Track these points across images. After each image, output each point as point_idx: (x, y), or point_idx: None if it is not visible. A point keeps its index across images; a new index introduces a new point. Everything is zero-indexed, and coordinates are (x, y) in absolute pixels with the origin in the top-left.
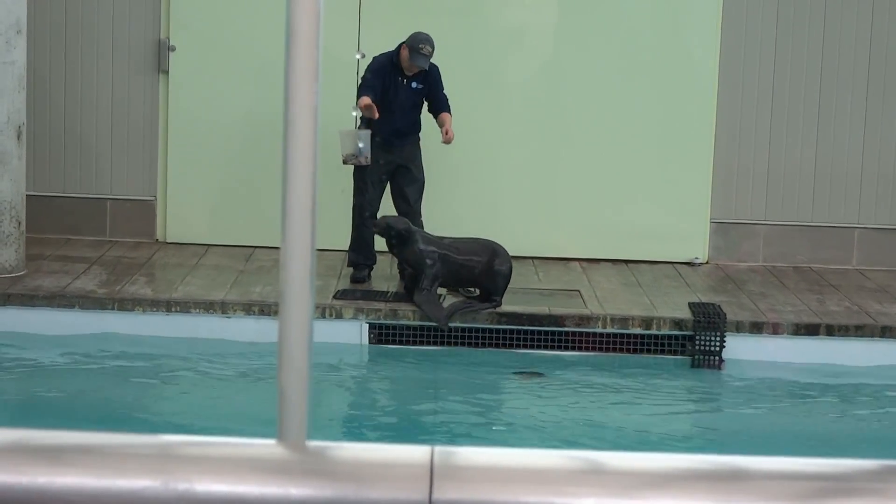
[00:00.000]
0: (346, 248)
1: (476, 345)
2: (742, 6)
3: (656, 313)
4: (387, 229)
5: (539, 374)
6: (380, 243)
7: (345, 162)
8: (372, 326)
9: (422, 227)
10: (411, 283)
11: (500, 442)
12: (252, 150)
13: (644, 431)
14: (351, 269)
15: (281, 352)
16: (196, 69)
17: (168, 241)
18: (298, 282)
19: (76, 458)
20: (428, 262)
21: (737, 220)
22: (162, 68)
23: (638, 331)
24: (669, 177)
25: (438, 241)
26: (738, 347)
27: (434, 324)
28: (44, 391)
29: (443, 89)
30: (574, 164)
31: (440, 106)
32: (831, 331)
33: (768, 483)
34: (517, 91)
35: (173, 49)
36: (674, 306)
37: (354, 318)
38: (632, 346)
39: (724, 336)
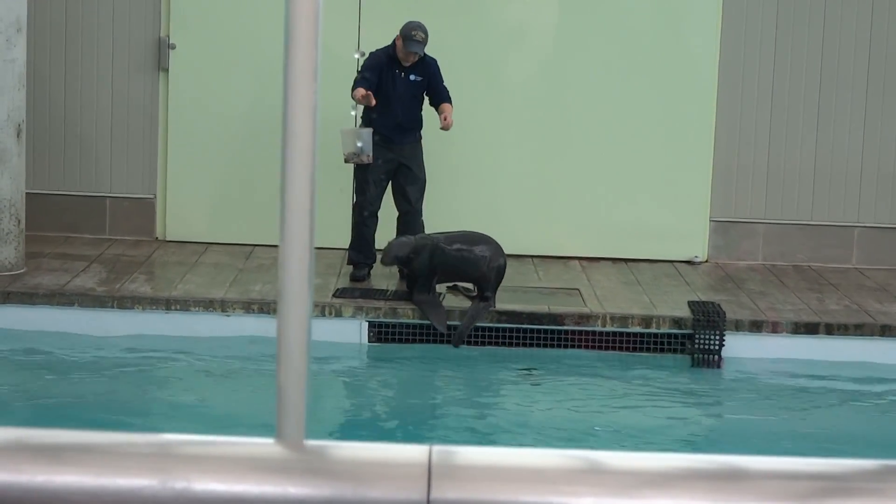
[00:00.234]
0: (346, 247)
1: (475, 343)
2: (742, 5)
3: (656, 312)
4: (397, 260)
5: (539, 373)
6: (380, 242)
7: (346, 161)
8: (371, 325)
9: (422, 227)
10: (411, 282)
11: (499, 441)
12: (252, 148)
13: (643, 430)
14: (350, 268)
15: (279, 351)
16: (196, 67)
17: (168, 239)
18: (297, 280)
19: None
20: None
21: (736, 219)
22: (162, 66)
23: (637, 329)
24: (669, 175)
25: (428, 237)
26: (737, 346)
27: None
28: (43, 389)
29: (442, 81)
30: (574, 162)
31: (441, 97)
32: (831, 330)
33: (767, 483)
34: (517, 90)
35: (173, 47)
36: (673, 305)
37: (354, 316)
38: (631, 345)
39: (724, 335)
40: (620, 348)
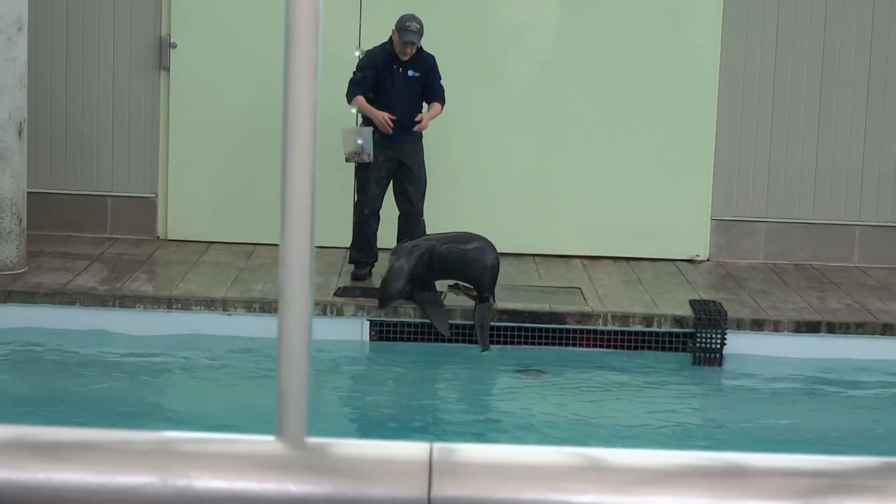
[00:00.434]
0: (348, 246)
1: (477, 342)
2: (743, 5)
3: (657, 310)
4: (398, 297)
5: (540, 372)
6: (381, 241)
7: (347, 160)
8: (373, 323)
9: (424, 227)
10: (413, 284)
11: (501, 439)
12: (253, 147)
13: (645, 428)
14: (352, 267)
15: (280, 348)
16: (197, 66)
17: (169, 238)
18: (298, 278)
19: (75, 454)
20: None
21: (738, 218)
22: (163, 65)
23: (639, 328)
24: (670, 174)
25: (419, 242)
26: (738, 345)
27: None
28: (44, 388)
29: (440, 79)
30: (575, 161)
31: (434, 96)
32: (832, 328)
33: (768, 480)
34: (518, 89)
35: (174, 46)
36: (675, 303)
37: (355, 315)
38: (633, 344)
39: (725, 333)
40: (622, 347)
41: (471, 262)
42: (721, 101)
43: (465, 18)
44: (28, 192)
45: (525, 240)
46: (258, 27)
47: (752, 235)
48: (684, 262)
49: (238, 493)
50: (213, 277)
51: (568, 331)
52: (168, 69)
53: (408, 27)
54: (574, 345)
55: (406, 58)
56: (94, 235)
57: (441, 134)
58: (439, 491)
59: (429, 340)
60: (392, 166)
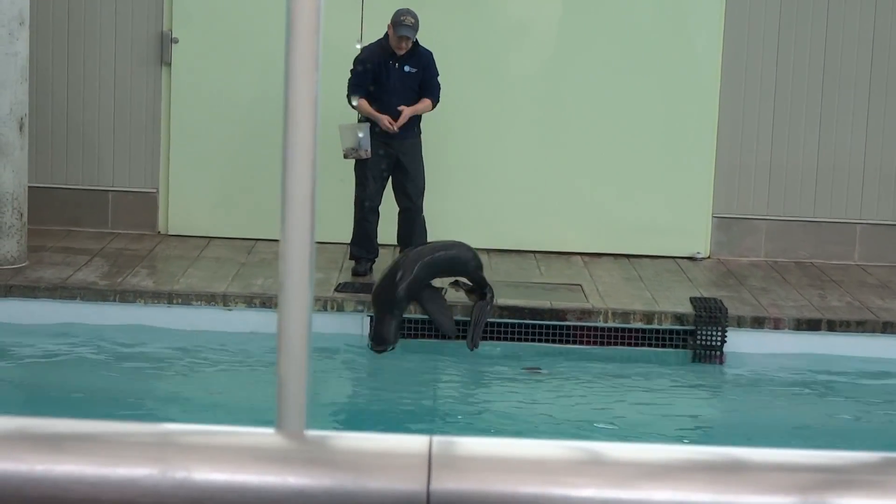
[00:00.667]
0: (349, 242)
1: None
2: (745, 3)
3: (658, 308)
4: (395, 341)
5: (540, 368)
6: (381, 237)
7: (346, 156)
8: (373, 319)
9: (424, 223)
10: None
11: (500, 434)
12: (254, 142)
13: (645, 425)
14: (352, 263)
15: (280, 341)
16: (198, 61)
17: (170, 233)
18: (297, 270)
19: (75, 446)
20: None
21: (739, 215)
22: (164, 60)
23: (639, 325)
24: (671, 171)
25: (400, 263)
26: (739, 342)
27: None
28: (44, 382)
29: (436, 75)
30: (576, 158)
31: (428, 92)
32: (832, 326)
33: (768, 475)
34: (520, 85)
35: (176, 41)
36: (675, 301)
37: (355, 310)
38: (633, 341)
39: (726, 331)
40: (622, 344)
41: (461, 263)
42: (722, 99)
43: (466, 15)
44: (29, 187)
45: (526, 236)
46: (259, 22)
47: (753, 233)
48: (685, 260)
49: (237, 485)
50: (213, 273)
51: (568, 327)
52: (169, 64)
53: (402, 21)
54: (574, 342)
55: (401, 52)
56: (94, 230)
57: (443, 131)
58: (438, 484)
59: (429, 336)
60: (390, 162)
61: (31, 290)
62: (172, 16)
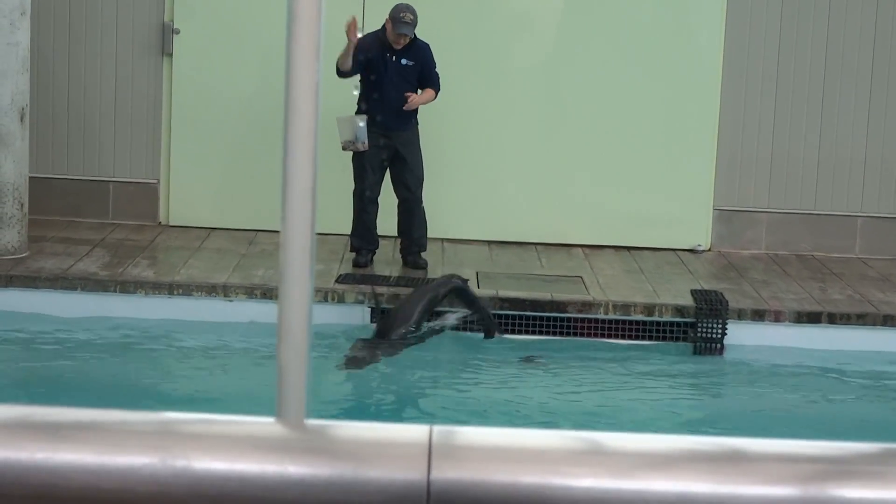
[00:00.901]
0: (349, 233)
1: (477, 329)
2: None
3: (658, 300)
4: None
5: (541, 360)
6: (381, 228)
7: (344, 148)
8: (374, 311)
9: (423, 214)
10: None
11: (500, 426)
12: (256, 133)
13: (645, 418)
14: (353, 254)
15: (280, 329)
16: (200, 52)
17: (171, 224)
18: (298, 258)
19: (75, 434)
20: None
21: (740, 208)
22: (166, 51)
23: (640, 317)
24: (673, 164)
25: (404, 312)
26: (739, 335)
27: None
28: (45, 372)
29: (434, 67)
30: (577, 150)
31: (429, 83)
32: (833, 319)
33: (768, 465)
34: (520, 78)
35: (177, 32)
36: (676, 293)
37: (356, 302)
38: (634, 333)
39: (726, 323)
40: (623, 336)
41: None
42: (724, 92)
43: (468, 6)
44: (30, 177)
45: (527, 228)
46: (261, 13)
47: (754, 226)
48: (686, 252)
49: (237, 473)
50: (214, 263)
51: (569, 319)
52: (171, 55)
53: (401, 18)
54: (575, 334)
55: (399, 47)
56: (95, 221)
57: (443, 122)
58: (438, 473)
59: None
60: (388, 153)
61: (31, 281)
62: (174, 7)
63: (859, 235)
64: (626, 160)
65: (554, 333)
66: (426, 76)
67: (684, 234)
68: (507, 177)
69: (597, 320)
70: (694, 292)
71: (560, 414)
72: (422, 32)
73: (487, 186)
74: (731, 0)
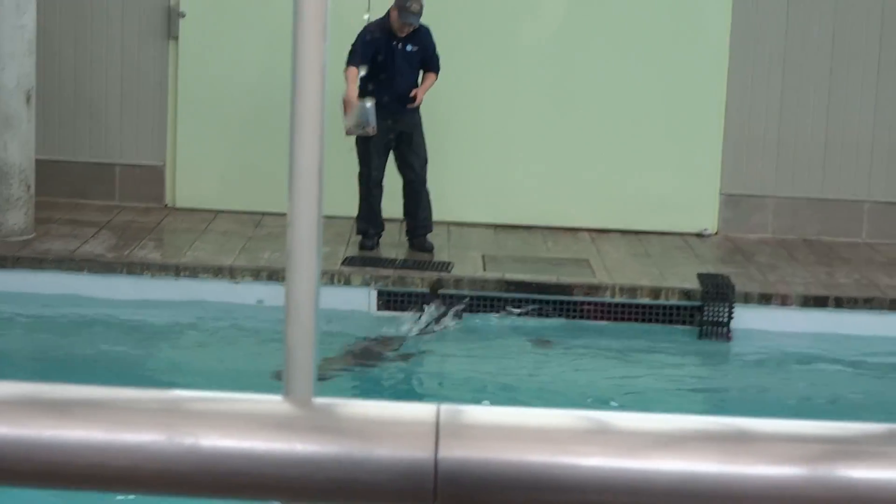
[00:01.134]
0: (355, 216)
1: (484, 312)
2: None
3: (665, 283)
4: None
5: (547, 342)
6: (387, 211)
7: (348, 133)
8: (380, 293)
9: (428, 195)
10: None
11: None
12: (262, 115)
13: (651, 400)
14: (359, 237)
15: (288, 307)
16: (206, 35)
17: (177, 206)
18: (306, 235)
19: (82, 411)
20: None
21: (747, 192)
22: (172, 34)
23: (646, 301)
24: (680, 148)
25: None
26: (746, 318)
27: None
28: (52, 352)
29: (435, 49)
30: (584, 134)
31: (429, 66)
32: (840, 303)
33: (775, 445)
34: (528, 60)
35: (183, 15)
36: (682, 277)
37: (363, 284)
38: (640, 316)
39: (733, 307)
40: (629, 319)
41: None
42: (731, 75)
43: None
44: (36, 160)
45: (533, 212)
46: None
47: (761, 210)
48: (693, 236)
49: (245, 451)
50: (220, 246)
51: (575, 303)
52: (177, 38)
53: (408, 7)
54: (581, 317)
55: (403, 35)
56: (102, 203)
57: (450, 106)
58: (446, 452)
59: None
60: (393, 136)
61: (38, 262)
62: None
63: (866, 220)
64: (633, 144)
65: (560, 316)
66: (427, 59)
67: (691, 218)
68: (513, 161)
69: (603, 303)
70: (700, 276)
71: (565, 396)
72: (429, 15)
73: (494, 170)
74: None
